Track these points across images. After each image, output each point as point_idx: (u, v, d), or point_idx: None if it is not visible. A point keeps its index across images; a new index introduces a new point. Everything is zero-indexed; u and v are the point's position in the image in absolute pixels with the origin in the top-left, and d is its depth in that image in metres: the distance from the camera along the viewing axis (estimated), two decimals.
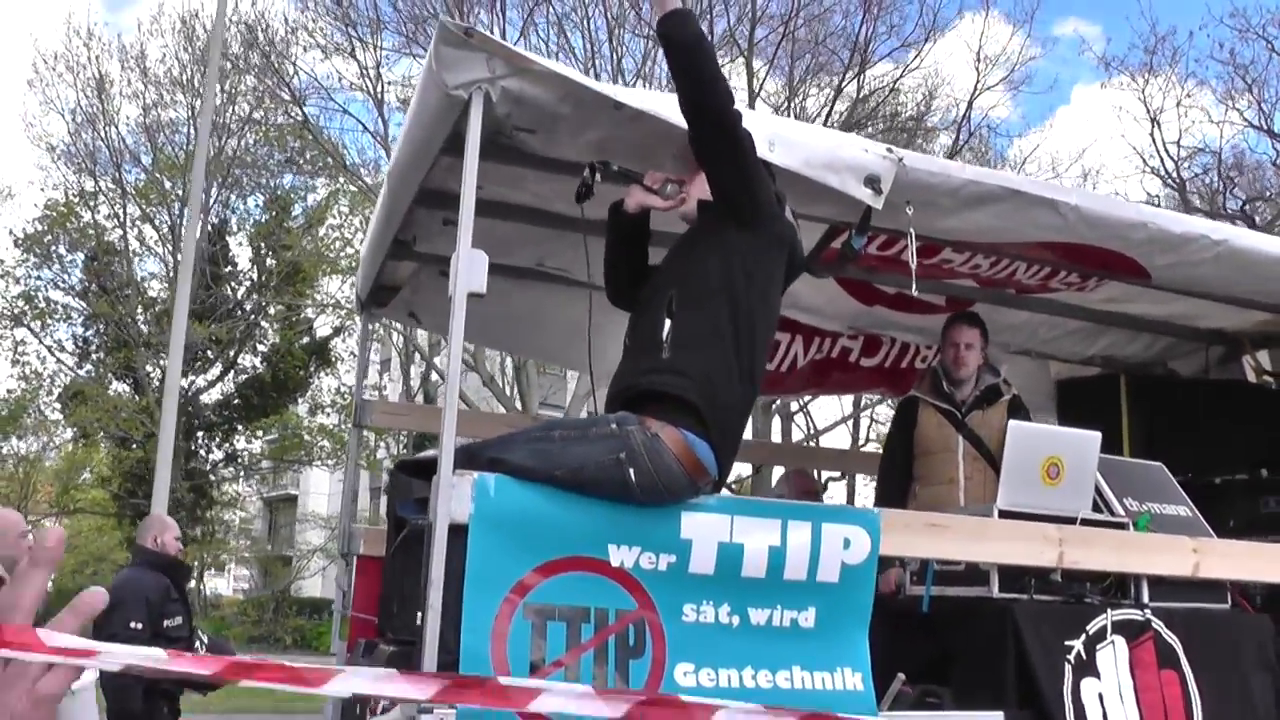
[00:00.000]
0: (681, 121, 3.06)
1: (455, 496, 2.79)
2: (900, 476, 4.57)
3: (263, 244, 26.35)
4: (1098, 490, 3.90)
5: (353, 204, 23.15)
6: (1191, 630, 3.65)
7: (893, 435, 4.70)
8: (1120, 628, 3.55)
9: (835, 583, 3.09)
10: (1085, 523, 3.66)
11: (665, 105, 3.13)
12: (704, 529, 2.95)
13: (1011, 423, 3.83)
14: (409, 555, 3.85)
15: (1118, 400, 5.57)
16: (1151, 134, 20.93)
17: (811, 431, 21.54)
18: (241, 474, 31.69)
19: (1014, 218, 3.73)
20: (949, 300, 5.05)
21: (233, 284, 27.03)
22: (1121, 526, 3.78)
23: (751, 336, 3.00)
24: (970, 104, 20.03)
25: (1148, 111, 20.60)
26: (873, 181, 3.36)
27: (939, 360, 4.68)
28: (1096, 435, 3.83)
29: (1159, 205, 19.53)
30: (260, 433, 30.01)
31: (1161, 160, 20.82)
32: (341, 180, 22.48)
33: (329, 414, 28.10)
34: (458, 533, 2.80)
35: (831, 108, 19.01)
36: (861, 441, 21.02)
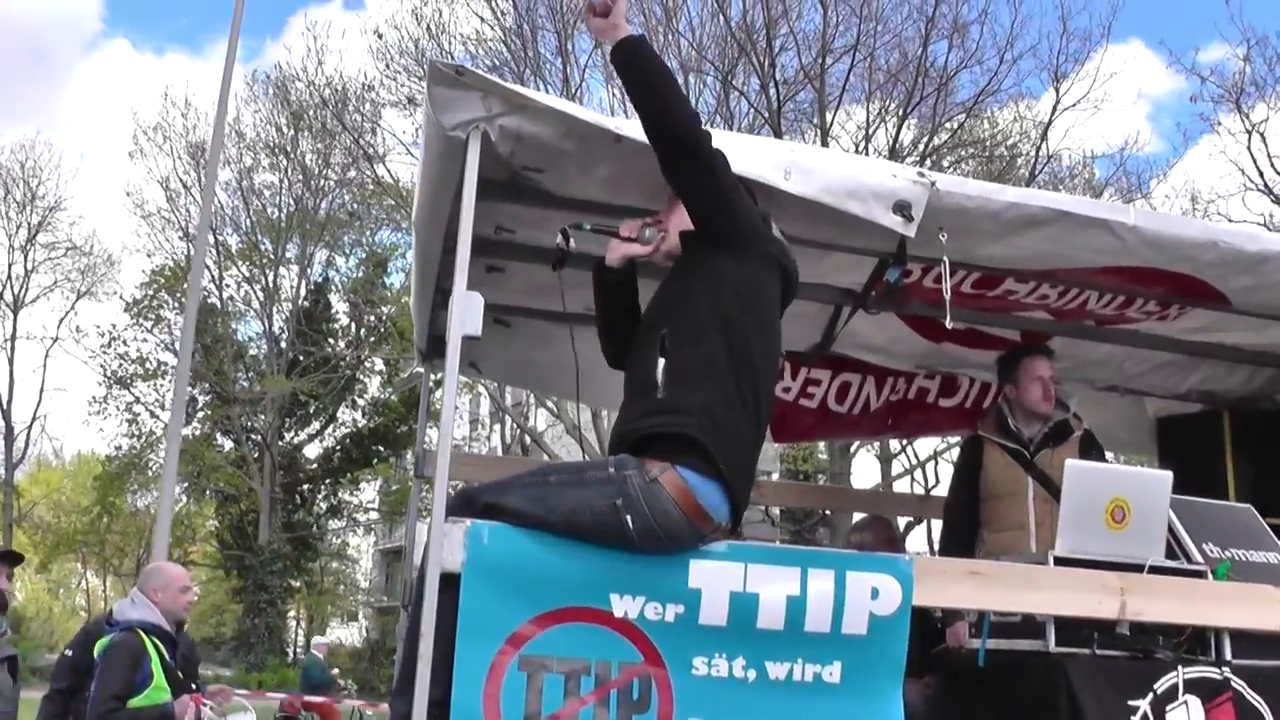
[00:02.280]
0: None
1: (447, 545, 2.81)
2: (966, 521, 4.44)
3: (359, 300, 27.39)
4: (1173, 535, 3.71)
5: None
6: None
7: (958, 478, 4.57)
8: (1194, 686, 3.35)
9: (864, 635, 3.00)
10: (1155, 570, 3.49)
11: None
12: (714, 578, 2.91)
13: (1069, 462, 3.67)
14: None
15: (1221, 438, 5.32)
16: (1249, 147, 20.35)
17: (916, 462, 21.17)
18: (347, 525, 32.75)
19: (1066, 241, 3.62)
20: (1024, 335, 4.89)
21: (331, 340, 28.12)
22: (1198, 574, 3.59)
23: (752, 365, 2.96)
24: (1049, 124, 19.73)
25: (1244, 124, 19.94)
26: (903, 208, 3.29)
27: (1002, 396, 4.55)
28: (1168, 475, 3.66)
29: (1267, 222, 19.01)
30: (362, 484, 31.03)
31: (1261, 174, 20.16)
32: None
33: None
34: (451, 582, 2.82)
35: (898, 134, 18.87)
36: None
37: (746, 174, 3.16)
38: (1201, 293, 4.00)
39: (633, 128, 3.16)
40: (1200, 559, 3.69)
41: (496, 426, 31.23)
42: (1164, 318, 4.47)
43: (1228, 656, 3.47)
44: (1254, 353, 4.88)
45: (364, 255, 28.54)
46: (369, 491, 33.69)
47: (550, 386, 7.25)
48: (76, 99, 64.65)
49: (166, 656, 4.99)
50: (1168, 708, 3.32)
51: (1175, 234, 3.66)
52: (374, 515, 34.45)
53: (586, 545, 2.86)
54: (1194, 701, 3.35)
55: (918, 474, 21.30)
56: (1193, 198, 22.74)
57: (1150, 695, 3.31)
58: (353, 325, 29.46)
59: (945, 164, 19.84)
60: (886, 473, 21.11)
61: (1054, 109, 19.80)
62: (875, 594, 3.02)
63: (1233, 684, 3.39)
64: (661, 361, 2.96)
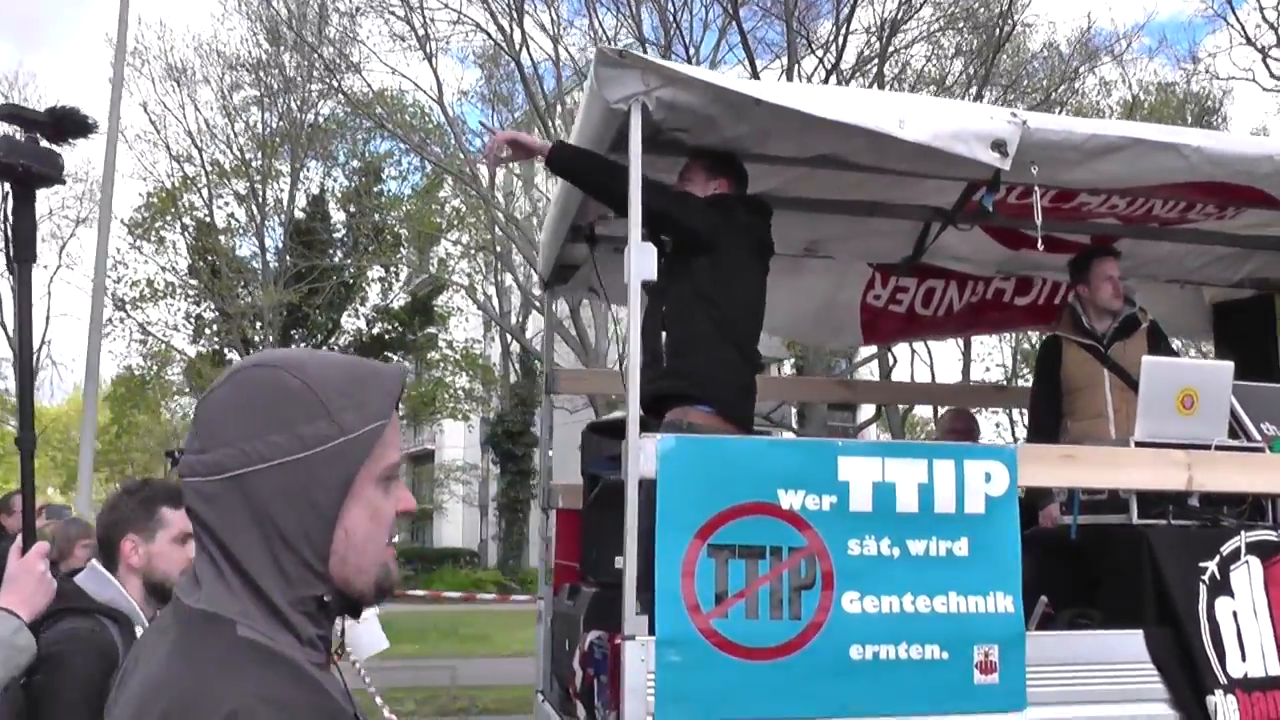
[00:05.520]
0: (821, 110, 3.84)
1: (643, 456, 3.64)
2: (1050, 415, 5.29)
3: (356, 209, 28.31)
4: (1234, 417, 4.55)
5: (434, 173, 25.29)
6: None
7: (1039, 375, 5.42)
8: (1254, 548, 4.20)
9: (982, 514, 3.85)
10: (1220, 449, 4.33)
11: (803, 97, 3.91)
12: (859, 470, 3.76)
13: (1145, 358, 4.49)
14: (604, 507, 4.82)
15: (1272, 318, 6.16)
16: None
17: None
18: None
19: (1139, 164, 4.35)
20: (1094, 239, 5.69)
21: (331, 250, 29.17)
22: (1256, 450, 4.44)
23: (734, 329, 4.14)
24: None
25: None
26: (999, 145, 4.03)
27: (1074, 296, 5.36)
28: (1229, 365, 4.49)
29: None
30: None
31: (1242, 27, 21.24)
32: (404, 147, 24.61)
33: (446, 369, 30.41)
34: (646, 487, 3.66)
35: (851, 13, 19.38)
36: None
37: (864, 125, 3.92)
38: (1256, 198, 4.74)
39: (773, 92, 3.92)
40: (1259, 437, 4.53)
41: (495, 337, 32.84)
42: (1221, 217, 5.27)
43: None
44: None
45: (358, 165, 29.48)
46: None
47: None
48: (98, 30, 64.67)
49: None
50: (1232, 567, 4.18)
51: (1236, 152, 4.41)
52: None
53: (756, 448, 3.72)
54: (1254, 561, 4.20)
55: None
56: (1194, 58, 23.98)
57: (1217, 557, 4.16)
58: (349, 235, 30.42)
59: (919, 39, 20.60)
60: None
61: None
62: (988, 478, 3.87)
63: None
64: (664, 335, 4.10)
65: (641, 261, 3.79)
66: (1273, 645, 4.09)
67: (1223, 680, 3.96)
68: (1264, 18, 22.33)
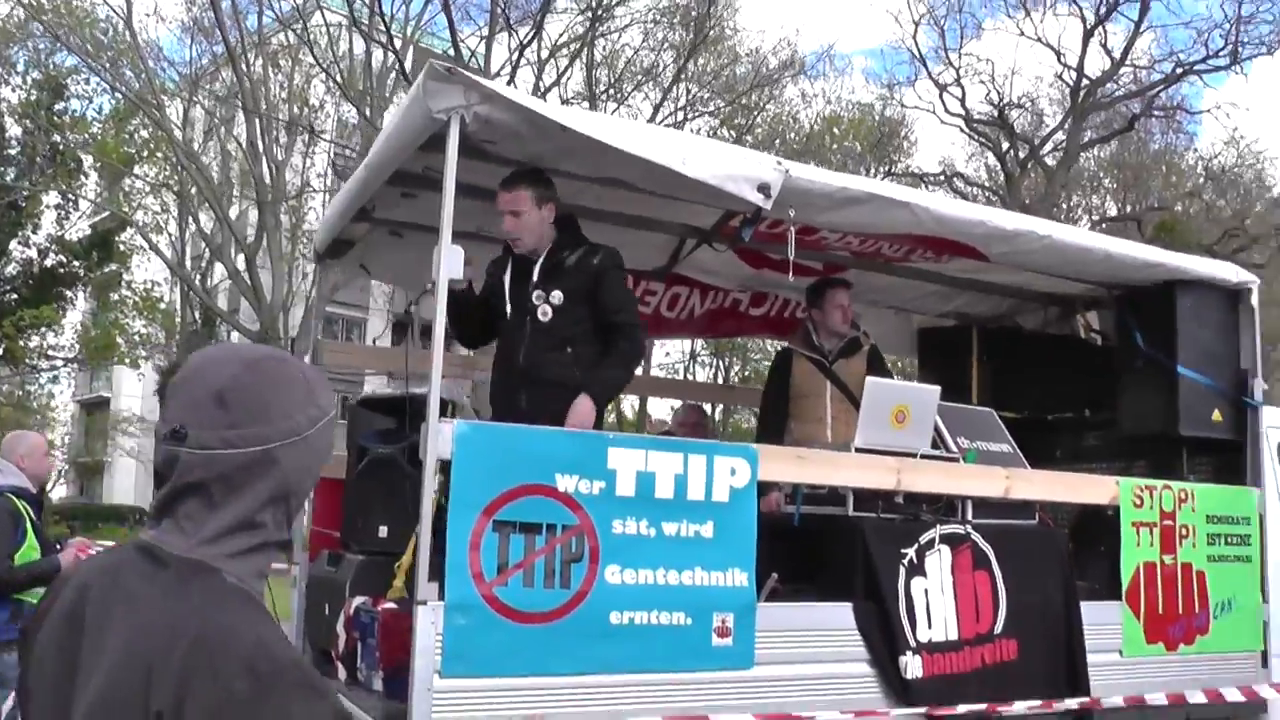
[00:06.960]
0: (618, 141, 4.49)
1: (440, 440, 4.18)
2: (777, 417, 6.18)
3: (30, 123, 26.78)
4: (937, 431, 5.53)
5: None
6: (1002, 541, 5.31)
7: (771, 381, 6.33)
8: (946, 539, 5.18)
9: (726, 502, 4.60)
10: (924, 457, 5.30)
11: (603, 129, 4.54)
12: (625, 460, 4.43)
13: (868, 380, 5.41)
14: (371, 478, 5.32)
15: (970, 348, 7.31)
16: (915, 36, 25.31)
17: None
18: (24, 372, 32.15)
19: (878, 216, 5.23)
20: (826, 266, 6.66)
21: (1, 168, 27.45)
22: (952, 460, 5.44)
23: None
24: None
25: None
26: (764, 188, 4.78)
27: (809, 317, 6.29)
28: (936, 389, 5.47)
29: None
30: (42, 329, 30.35)
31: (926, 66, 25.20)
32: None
33: (125, 311, 29.19)
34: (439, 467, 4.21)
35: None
36: None
37: (654, 159, 4.58)
38: (969, 253, 5.79)
39: (578, 121, 4.55)
40: (955, 449, 5.53)
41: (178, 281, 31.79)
42: (938, 261, 6.31)
43: (969, 517, 5.34)
44: (1005, 287, 6.87)
45: (39, 78, 27.84)
46: (55, 337, 32.92)
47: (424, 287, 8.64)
48: None
49: (34, 518, 5.82)
50: (927, 554, 5.13)
51: (955, 215, 5.39)
52: (59, 363, 33.69)
53: (539, 436, 4.36)
54: (945, 549, 5.18)
55: None
56: (888, 85, 27.58)
57: (916, 545, 5.10)
58: (24, 153, 28.53)
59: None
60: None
61: None
62: (733, 472, 4.63)
63: (971, 536, 5.25)
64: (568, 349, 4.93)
65: (450, 262, 4.35)
66: (954, 616, 5.07)
67: (912, 644, 4.91)
68: (946, 57, 25.66)
